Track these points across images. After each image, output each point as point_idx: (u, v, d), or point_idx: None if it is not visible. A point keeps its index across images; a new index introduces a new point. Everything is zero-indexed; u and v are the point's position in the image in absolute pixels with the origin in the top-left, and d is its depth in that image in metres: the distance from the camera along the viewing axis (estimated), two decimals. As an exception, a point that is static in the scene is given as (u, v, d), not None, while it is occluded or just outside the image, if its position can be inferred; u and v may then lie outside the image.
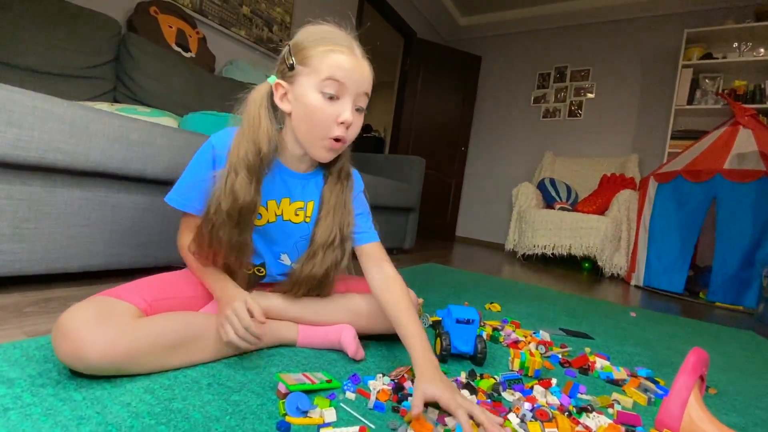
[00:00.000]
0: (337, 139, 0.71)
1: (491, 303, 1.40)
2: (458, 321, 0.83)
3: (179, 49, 1.97)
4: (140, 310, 0.64)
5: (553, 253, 3.07)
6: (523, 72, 4.25)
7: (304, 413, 0.57)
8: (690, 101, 3.26)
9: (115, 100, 1.66)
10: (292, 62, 0.70)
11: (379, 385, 0.68)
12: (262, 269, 0.83)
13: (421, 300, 1.07)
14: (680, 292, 2.43)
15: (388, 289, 0.77)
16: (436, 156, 4.19)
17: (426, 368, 0.62)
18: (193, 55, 2.03)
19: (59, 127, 0.88)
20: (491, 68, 4.42)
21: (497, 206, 4.31)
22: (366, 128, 5.96)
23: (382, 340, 0.92)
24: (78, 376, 0.60)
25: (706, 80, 3.30)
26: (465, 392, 0.69)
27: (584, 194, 3.51)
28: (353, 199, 0.85)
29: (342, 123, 0.70)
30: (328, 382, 0.67)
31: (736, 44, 3.21)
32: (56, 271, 0.98)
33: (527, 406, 0.67)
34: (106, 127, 0.95)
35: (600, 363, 0.93)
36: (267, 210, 0.78)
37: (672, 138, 3.26)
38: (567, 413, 0.67)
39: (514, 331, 1.07)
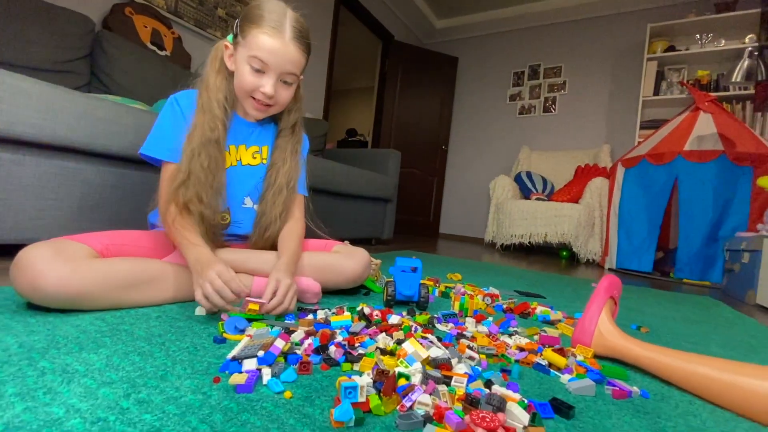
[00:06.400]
0: (263, 103, 0.83)
1: (453, 273, 1.47)
2: (403, 270, 0.90)
3: (154, 48, 2.04)
4: (96, 252, 0.70)
5: (530, 242, 3.15)
6: (498, 71, 4.38)
7: (241, 331, 0.63)
8: (656, 92, 3.39)
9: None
10: (236, 32, 0.82)
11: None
12: (227, 216, 0.90)
13: (378, 261, 1.13)
14: (650, 271, 2.51)
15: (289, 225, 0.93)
16: (417, 155, 4.29)
17: (279, 264, 0.78)
18: (168, 54, 2.10)
19: (26, 101, 0.94)
20: (468, 68, 4.55)
21: (478, 202, 4.40)
22: (350, 132, 6.05)
23: (340, 294, 0.98)
24: (33, 308, 0.65)
25: (671, 72, 3.44)
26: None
27: (560, 185, 3.61)
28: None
29: (263, 93, 0.81)
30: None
31: (698, 36, 3.35)
32: (26, 241, 1.02)
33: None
34: (72, 103, 1.01)
35: (540, 309, 0.99)
36: (229, 154, 0.88)
37: (641, 128, 3.38)
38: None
39: (464, 286, 1.13)
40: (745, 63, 2.36)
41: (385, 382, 0.46)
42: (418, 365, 0.51)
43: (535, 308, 0.99)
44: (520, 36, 4.28)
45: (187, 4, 2.29)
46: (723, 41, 3.24)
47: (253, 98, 0.83)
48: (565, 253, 3.31)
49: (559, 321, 0.92)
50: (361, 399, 0.43)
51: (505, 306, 1.00)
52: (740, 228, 2.26)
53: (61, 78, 1.60)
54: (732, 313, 1.37)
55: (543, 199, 3.30)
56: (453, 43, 4.67)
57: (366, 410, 0.42)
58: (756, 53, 2.39)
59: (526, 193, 3.49)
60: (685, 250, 2.39)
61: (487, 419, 0.41)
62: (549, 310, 0.98)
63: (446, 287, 1.14)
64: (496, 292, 1.11)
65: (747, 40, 3.09)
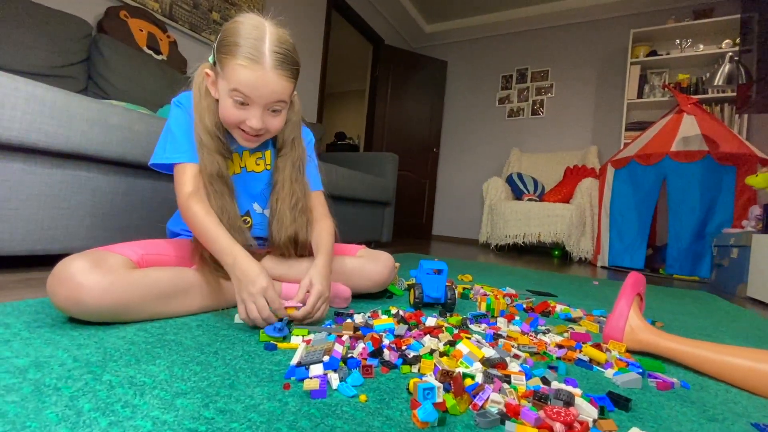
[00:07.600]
0: (252, 134, 0.76)
1: (463, 275, 1.49)
2: (428, 273, 0.91)
3: (150, 52, 2.00)
4: (133, 262, 0.69)
5: (524, 242, 3.21)
6: (487, 75, 4.46)
7: (279, 331, 0.62)
8: (640, 95, 3.52)
9: (88, 100, 1.68)
10: (214, 60, 0.74)
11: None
12: (248, 219, 0.88)
13: (398, 264, 1.14)
14: (641, 268, 2.60)
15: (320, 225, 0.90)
16: (409, 158, 4.31)
17: (314, 266, 0.76)
18: (165, 58, 2.06)
19: (40, 108, 0.91)
20: (457, 72, 4.62)
21: (470, 203, 4.45)
22: (339, 135, 6.04)
23: (365, 298, 0.98)
24: (72, 321, 0.64)
25: (653, 75, 3.57)
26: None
27: (550, 186, 3.69)
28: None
29: (250, 127, 0.74)
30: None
31: (678, 41, 3.50)
32: (37, 252, 0.99)
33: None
34: (86, 110, 0.99)
35: (560, 308, 1.02)
36: (233, 162, 0.84)
37: (626, 129, 3.49)
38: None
39: (482, 287, 1.15)
40: (726, 67, 2.47)
41: (453, 383, 0.47)
42: (477, 365, 0.52)
43: (555, 307, 1.02)
44: (508, 40, 4.37)
45: (181, 7, 2.26)
46: (701, 46, 3.38)
47: (241, 129, 0.76)
48: (557, 252, 3.38)
49: (581, 318, 0.95)
50: (439, 399, 0.44)
51: (525, 305, 1.02)
52: (726, 225, 2.36)
53: (58, 83, 1.56)
54: (730, 306, 1.43)
55: (535, 200, 3.37)
56: (442, 47, 4.73)
57: (443, 410, 0.43)
58: (736, 58, 2.51)
59: (517, 194, 3.55)
60: (674, 247, 2.48)
61: (562, 414, 0.42)
62: (569, 308, 1.01)
63: (464, 288, 1.16)
64: (514, 292, 1.13)
65: (723, 45, 3.24)
